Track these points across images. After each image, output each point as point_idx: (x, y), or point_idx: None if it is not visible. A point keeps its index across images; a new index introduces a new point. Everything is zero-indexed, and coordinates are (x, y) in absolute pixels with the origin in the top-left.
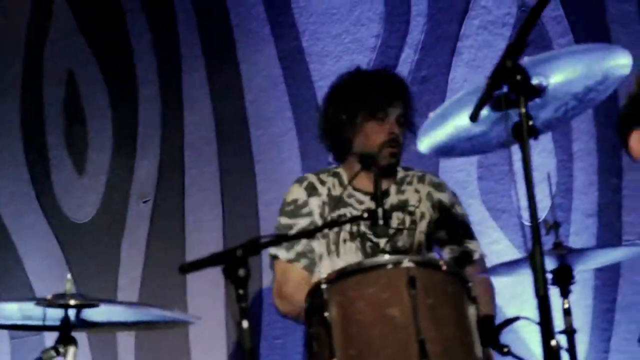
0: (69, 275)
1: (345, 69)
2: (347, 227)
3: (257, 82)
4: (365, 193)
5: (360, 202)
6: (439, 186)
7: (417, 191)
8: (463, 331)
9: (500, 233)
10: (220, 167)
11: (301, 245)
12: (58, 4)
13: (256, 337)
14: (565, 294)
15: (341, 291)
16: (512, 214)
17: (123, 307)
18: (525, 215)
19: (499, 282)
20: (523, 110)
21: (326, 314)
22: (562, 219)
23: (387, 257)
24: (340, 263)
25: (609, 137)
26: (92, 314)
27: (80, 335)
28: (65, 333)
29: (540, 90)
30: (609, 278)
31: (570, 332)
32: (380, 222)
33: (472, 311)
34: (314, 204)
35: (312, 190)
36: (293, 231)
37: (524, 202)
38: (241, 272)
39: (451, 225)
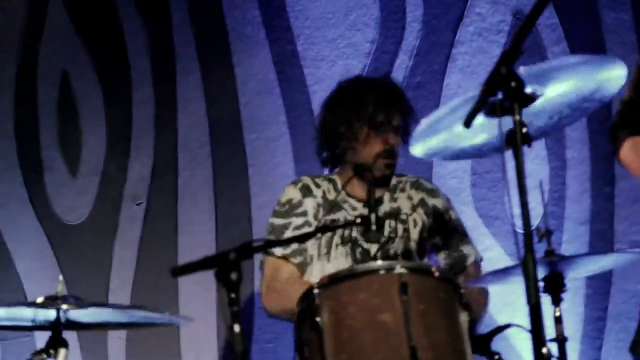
0: (60, 277)
1: (340, 73)
2: (340, 231)
3: (251, 86)
4: (359, 200)
5: (354, 209)
6: (433, 192)
7: (409, 198)
8: (454, 338)
9: (492, 240)
10: (214, 170)
11: (296, 243)
12: (53, 4)
13: (247, 340)
14: (556, 301)
15: (333, 296)
16: (504, 221)
17: (114, 310)
18: (518, 222)
19: (491, 290)
20: (517, 117)
21: (318, 319)
22: (554, 227)
23: (379, 262)
24: (329, 267)
25: (603, 145)
26: (83, 316)
27: (70, 337)
28: (56, 334)
29: (534, 98)
30: (600, 286)
31: (561, 340)
32: (373, 227)
33: (463, 318)
34: (309, 204)
35: (307, 192)
36: (288, 230)
37: (516, 210)
38: (233, 275)
39: (445, 231)
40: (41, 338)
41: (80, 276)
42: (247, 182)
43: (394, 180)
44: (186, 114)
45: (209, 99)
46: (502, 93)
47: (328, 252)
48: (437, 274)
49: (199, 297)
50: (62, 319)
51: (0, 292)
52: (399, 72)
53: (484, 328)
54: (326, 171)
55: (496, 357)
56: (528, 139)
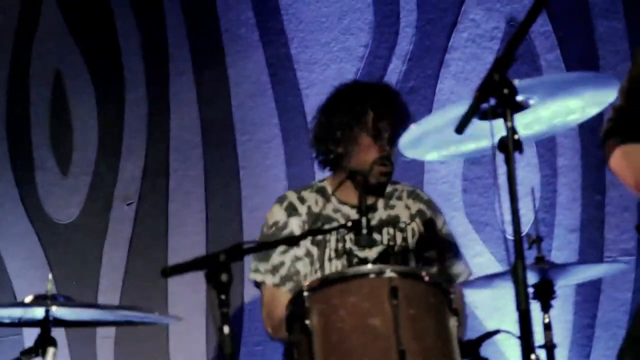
0: (50, 276)
1: (333, 77)
2: (332, 244)
3: (244, 88)
4: (352, 206)
5: (347, 217)
6: (430, 204)
7: (407, 207)
8: (444, 342)
9: (482, 246)
10: (205, 172)
11: (285, 268)
12: (47, 4)
13: (236, 343)
14: (546, 308)
15: (323, 299)
16: (495, 227)
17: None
18: (508, 229)
19: (480, 295)
20: (509, 123)
21: (307, 322)
22: (544, 234)
23: (369, 266)
24: None
25: (594, 153)
26: (72, 314)
27: (59, 336)
28: (45, 333)
29: (526, 106)
30: (589, 294)
31: (550, 346)
32: (364, 231)
33: (453, 322)
34: (294, 224)
35: (292, 211)
36: (276, 253)
37: (507, 216)
38: (223, 277)
39: (439, 246)
40: (29, 337)
41: (70, 275)
42: (239, 183)
43: (389, 188)
44: (179, 114)
45: (201, 100)
46: (495, 99)
47: (322, 267)
48: (427, 278)
49: (188, 298)
50: (51, 318)
51: None
52: (392, 76)
53: (473, 333)
54: (319, 175)
55: None
56: (520, 146)
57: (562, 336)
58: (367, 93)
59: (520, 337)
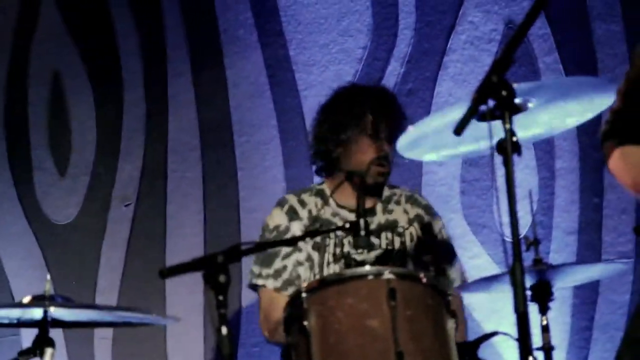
0: (48, 276)
1: (331, 79)
2: (331, 249)
3: (242, 89)
4: (351, 210)
5: (346, 220)
6: (428, 209)
7: (405, 212)
8: (441, 344)
9: (480, 248)
10: (204, 173)
11: (287, 273)
12: (46, 4)
13: (234, 344)
14: (543, 310)
15: (321, 300)
16: (492, 230)
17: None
18: (506, 231)
19: (478, 297)
20: (508, 125)
21: (305, 323)
22: (542, 236)
23: (367, 268)
24: None
25: (592, 156)
26: (70, 314)
27: (57, 337)
28: (43, 334)
29: (524, 108)
30: (587, 296)
31: (547, 348)
32: (362, 232)
33: (450, 324)
34: (296, 228)
35: (293, 214)
36: (278, 257)
37: (505, 218)
38: (222, 278)
39: (436, 250)
40: (27, 337)
41: (68, 276)
42: (237, 185)
43: (387, 192)
44: (177, 116)
45: (199, 101)
46: (494, 101)
47: (321, 271)
48: (425, 280)
49: (185, 299)
50: (49, 319)
51: None
52: (391, 78)
53: (471, 335)
54: (317, 177)
55: None
56: (518, 148)
57: (559, 338)
58: (365, 95)
59: (518, 339)
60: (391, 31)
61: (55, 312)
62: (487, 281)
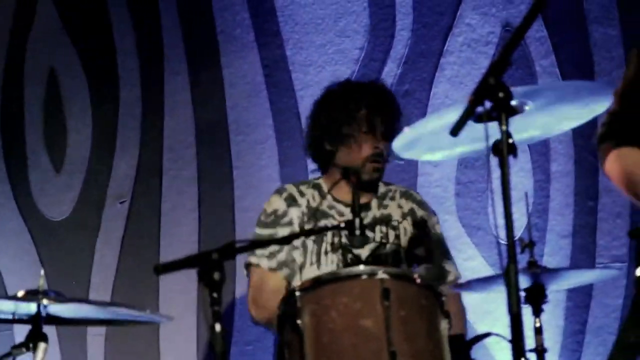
0: (42, 272)
1: (328, 79)
2: (329, 238)
3: (239, 89)
4: (346, 205)
5: (341, 214)
6: (422, 204)
7: (400, 207)
8: (435, 344)
9: (474, 250)
10: (199, 172)
11: (283, 254)
12: (42, 3)
13: (227, 342)
14: (537, 312)
15: (315, 299)
16: (487, 232)
17: (94, 306)
18: (501, 233)
19: (472, 298)
20: (504, 127)
21: (299, 322)
22: (536, 239)
23: (362, 267)
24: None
25: (587, 159)
26: (63, 310)
27: (50, 333)
28: (36, 329)
29: (521, 110)
30: (581, 300)
31: (540, 350)
32: (357, 232)
33: (444, 325)
34: (294, 214)
35: (291, 201)
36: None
37: (500, 220)
38: (216, 275)
39: (430, 245)
40: (20, 333)
41: (61, 272)
42: (232, 184)
43: (382, 188)
44: (173, 114)
45: (196, 100)
46: (490, 103)
47: (318, 260)
48: (419, 280)
49: (179, 298)
50: (43, 313)
51: None
52: (387, 79)
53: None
54: (312, 177)
55: None
56: (514, 150)
57: (552, 341)
58: (360, 91)
59: (511, 341)
60: (388, 32)
61: (48, 307)
62: (480, 282)
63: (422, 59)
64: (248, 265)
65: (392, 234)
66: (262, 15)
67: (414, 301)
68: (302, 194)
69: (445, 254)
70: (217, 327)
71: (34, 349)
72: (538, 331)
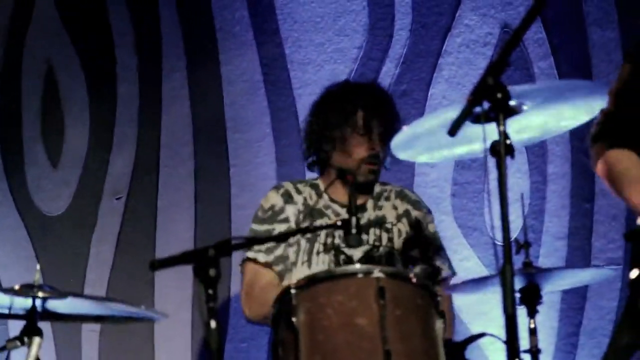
0: (38, 266)
1: (326, 78)
2: (322, 238)
3: (237, 86)
4: (342, 205)
5: (337, 214)
6: (417, 204)
7: (394, 207)
8: (429, 344)
9: (470, 251)
10: (195, 169)
11: (280, 249)
12: None
13: (222, 339)
14: (532, 313)
15: (310, 297)
16: (483, 233)
17: (90, 300)
18: (497, 234)
19: (467, 299)
20: (502, 128)
21: (294, 319)
22: (532, 240)
23: (357, 266)
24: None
25: (584, 161)
26: (59, 306)
27: (44, 328)
28: (31, 323)
29: (519, 111)
30: (575, 302)
31: (534, 351)
32: (354, 231)
33: (439, 325)
34: (290, 211)
35: (288, 198)
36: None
37: (496, 221)
38: (212, 272)
39: (424, 245)
40: (15, 328)
41: (57, 267)
42: (228, 181)
43: (377, 188)
44: (170, 111)
45: (194, 97)
46: (488, 103)
47: (309, 260)
48: (414, 280)
49: (174, 295)
50: (38, 308)
51: None
52: (385, 79)
53: (458, 336)
54: (309, 176)
55: None
56: (511, 150)
57: (546, 342)
58: (357, 93)
59: (505, 341)
60: (387, 32)
61: (43, 301)
62: (475, 283)
63: (421, 59)
64: (243, 262)
65: (385, 237)
66: (261, 14)
67: (410, 300)
68: (299, 192)
69: (439, 251)
70: (213, 323)
71: (29, 343)
72: (532, 332)
